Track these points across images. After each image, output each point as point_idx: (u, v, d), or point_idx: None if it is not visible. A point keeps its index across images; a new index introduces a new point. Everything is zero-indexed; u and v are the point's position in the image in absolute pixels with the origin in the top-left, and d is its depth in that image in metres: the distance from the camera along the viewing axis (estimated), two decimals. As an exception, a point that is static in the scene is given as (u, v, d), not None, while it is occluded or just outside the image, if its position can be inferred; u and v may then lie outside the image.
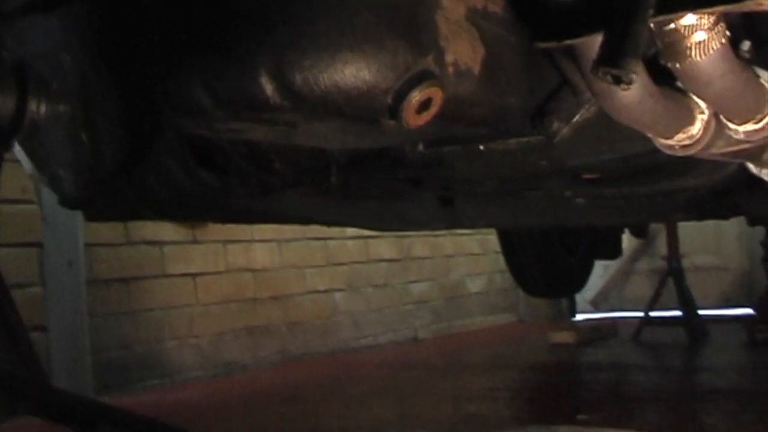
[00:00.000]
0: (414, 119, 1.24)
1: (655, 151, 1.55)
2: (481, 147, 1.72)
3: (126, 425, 2.88)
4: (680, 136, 1.43)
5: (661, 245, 5.90)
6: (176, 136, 2.02)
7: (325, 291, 5.22)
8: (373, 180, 2.18)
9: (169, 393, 3.88)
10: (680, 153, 1.49)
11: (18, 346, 3.30)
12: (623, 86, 1.18)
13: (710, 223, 6.49)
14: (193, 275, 4.38)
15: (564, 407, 3.25)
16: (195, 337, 4.35)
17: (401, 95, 1.22)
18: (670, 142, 1.45)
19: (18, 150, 2.05)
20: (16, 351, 3.29)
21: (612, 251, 5.11)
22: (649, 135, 1.45)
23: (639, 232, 5.08)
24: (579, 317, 7.18)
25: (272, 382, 4.17)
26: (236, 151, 2.00)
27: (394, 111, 1.23)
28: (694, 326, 5.04)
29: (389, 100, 1.22)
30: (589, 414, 2.95)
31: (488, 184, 2.34)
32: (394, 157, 2.01)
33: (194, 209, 2.37)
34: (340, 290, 5.33)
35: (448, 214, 2.51)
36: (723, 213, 3.06)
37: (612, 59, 1.16)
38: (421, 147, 1.75)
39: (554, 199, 2.50)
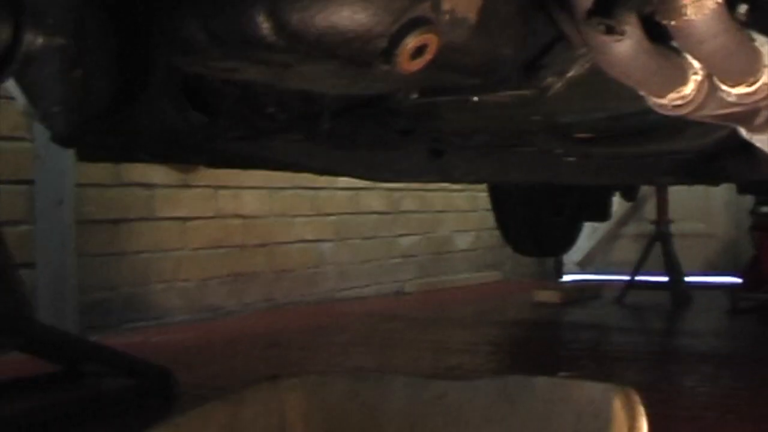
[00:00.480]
0: (408, 65, 1.25)
1: (646, 111, 1.55)
2: (474, 99, 1.72)
3: (111, 363, 2.90)
4: (673, 95, 1.44)
5: (650, 210, 5.91)
6: (169, 76, 2.02)
7: (313, 240, 5.22)
8: (364, 129, 2.19)
9: (153, 335, 3.89)
10: (672, 113, 1.49)
11: (7, 283, 3.32)
12: (616, 37, 1.18)
13: (699, 191, 6.51)
14: (183, 219, 4.38)
15: (545, 364, 3.28)
16: (182, 280, 4.36)
17: (396, 40, 1.22)
18: (662, 101, 1.46)
19: (12, 86, 2.05)
20: (4, 287, 3.30)
21: (601, 213, 5.12)
22: (642, 93, 1.46)
23: (629, 195, 5.08)
24: (565, 278, 7.21)
25: (257, 327, 4.18)
26: (228, 94, 2.00)
27: (389, 55, 1.23)
28: (678, 291, 5.06)
29: (384, 44, 1.22)
30: (570, 371, 2.98)
31: (479, 138, 2.34)
32: (386, 107, 2.01)
33: (185, 151, 2.37)
34: (328, 240, 5.33)
35: (438, 166, 2.52)
36: (712, 178, 3.06)
37: (605, 9, 1.17)
38: (413, 96, 1.75)
39: (544, 156, 2.51)
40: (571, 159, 2.49)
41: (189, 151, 2.38)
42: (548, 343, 3.86)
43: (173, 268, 4.31)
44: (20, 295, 3.38)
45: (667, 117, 1.53)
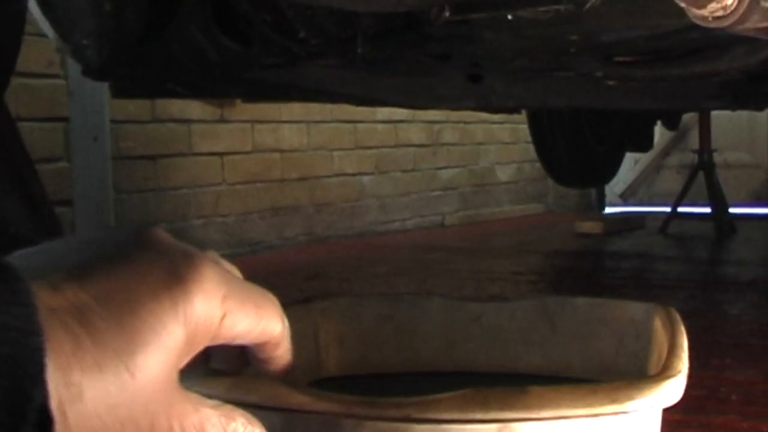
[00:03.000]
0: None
1: (688, 29, 1.51)
2: (509, 16, 1.68)
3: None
4: (713, 5, 1.39)
5: (693, 140, 5.84)
6: (199, 2, 1.99)
7: (353, 174, 5.20)
8: (401, 54, 2.16)
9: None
10: (713, 25, 1.45)
11: (42, 218, 3.32)
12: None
13: (744, 120, 6.44)
14: (221, 154, 4.37)
15: (587, 291, 3.25)
16: (221, 215, 4.36)
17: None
18: (702, 12, 1.41)
19: (42, 20, 2.03)
20: (40, 222, 3.30)
21: (643, 143, 5.06)
22: (682, 4, 1.41)
23: (671, 123, 5.03)
24: (607, 210, 7.16)
25: (297, 261, 4.18)
26: (260, 19, 1.98)
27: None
28: (722, 222, 5.01)
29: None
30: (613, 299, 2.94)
31: (518, 63, 2.31)
32: (422, 31, 1.98)
33: (219, 82, 2.35)
34: (368, 174, 5.31)
35: (477, 91, 2.49)
36: (757, 102, 3.01)
37: None
38: (447, 14, 1.72)
39: (585, 80, 2.46)
40: (611, 83, 2.45)
41: (223, 82, 2.36)
42: (591, 272, 3.83)
43: (212, 204, 4.31)
44: (55, 230, 3.39)
45: (710, 35, 1.49)
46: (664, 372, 0.69)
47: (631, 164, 7.18)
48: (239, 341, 0.60)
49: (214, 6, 2.00)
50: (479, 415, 0.61)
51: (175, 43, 2.04)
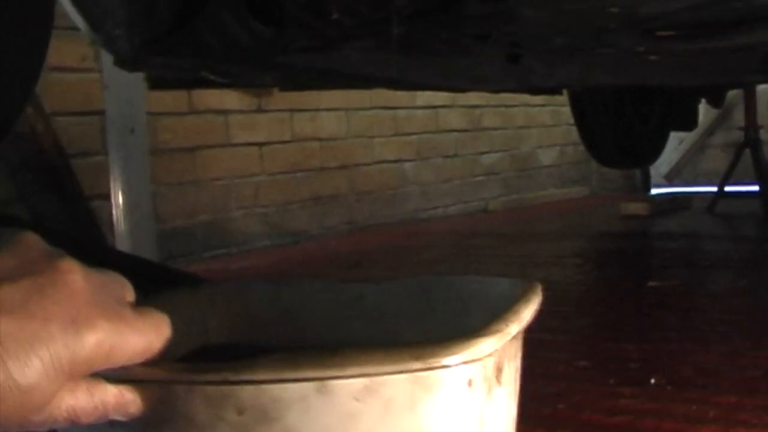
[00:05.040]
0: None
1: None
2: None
3: (189, 287, 2.87)
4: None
5: (738, 117, 5.76)
6: (229, -14, 1.97)
7: (394, 161, 5.17)
8: (438, 35, 2.12)
9: (234, 261, 3.87)
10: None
11: (77, 212, 3.30)
12: None
13: (790, 95, 6.34)
14: (259, 144, 4.34)
15: (634, 273, 3.20)
16: (262, 206, 4.33)
17: None
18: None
19: (73, 12, 2.01)
20: (75, 216, 3.29)
21: (688, 122, 4.99)
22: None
23: (715, 101, 4.95)
24: (652, 192, 7.09)
25: (339, 249, 4.14)
26: (291, 1, 1.94)
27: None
28: (770, 199, 4.93)
29: None
30: (660, 280, 2.89)
31: (558, 41, 2.25)
32: (458, 11, 1.94)
33: (254, 68, 2.32)
34: (409, 160, 5.27)
35: (517, 71, 2.43)
36: (804, 75, 2.94)
37: None
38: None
39: (626, 56, 2.41)
40: (654, 58, 2.39)
41: (258, 68, 2.33)
42: (637, 253, 3.77)
43: (252, 194, 4.28)
44: (89, 222, 3.38)
45: (754, 4, 1.44)
46: (477, 333, 0.73)
47: (676, 144, 7.10)
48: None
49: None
50: (290, 375, 0.68)
51: (207, 29, 2.01)
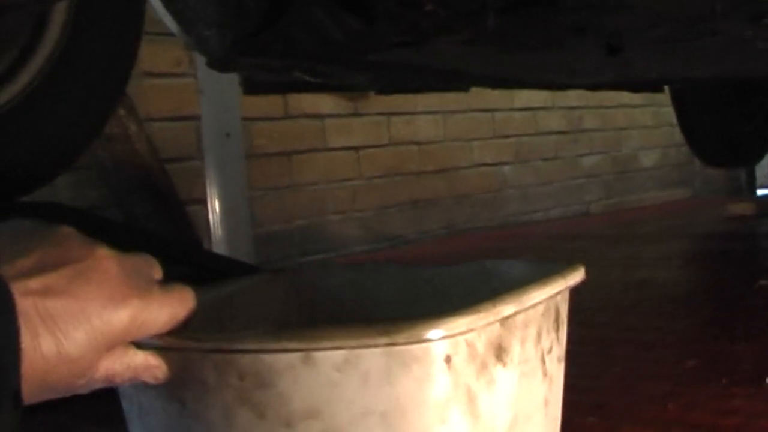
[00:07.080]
0: None
1: None
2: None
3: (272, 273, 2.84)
4: None
5: None
6: (319, -19, 1.94)
7: (493, 164, 5.11)
8: (533, 28, 2.06)
9: (331, 266, 3.84)
10: None
11: (171, 214, 3.29)
12: None
13: None
14: (356, 148, 4.32)
15: (742, 273, 3.10)
16: (359, 210, 4.31)
17: None
18: None
19: (164, 14, 2.01)
20: (169, 218, 3.28)
21: (795, 119, 4.87)
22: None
23: (824, 96, 4.82)
24: (758, 193, 6.94)
25: (438, 253, 4.09)
26: (383, -6, 1.90)
27: None
28: None
29: None
30: (770, 279, 2.79)
31: (659, 30, 2.18)
32: (553, 3, 1.89)
33: (345, 67, 2.29)
34: (508, 163, 5.21)
35: (616, 63, 2.36)
36: None
37: None
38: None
39: (732, 44, 2.32)
40: (762, 44, 2.30)
41: (350, 67, 2.30)
42: (745, 253, 3.66)
43: (349, 198, 4.26)
44: (185, 226, 3.37)
45: None
46: (456, 311, 0.79)
47: (782, 143, 6.94)
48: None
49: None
50: (273, 346, 0.77)
51: (297, 26, 1.98)
